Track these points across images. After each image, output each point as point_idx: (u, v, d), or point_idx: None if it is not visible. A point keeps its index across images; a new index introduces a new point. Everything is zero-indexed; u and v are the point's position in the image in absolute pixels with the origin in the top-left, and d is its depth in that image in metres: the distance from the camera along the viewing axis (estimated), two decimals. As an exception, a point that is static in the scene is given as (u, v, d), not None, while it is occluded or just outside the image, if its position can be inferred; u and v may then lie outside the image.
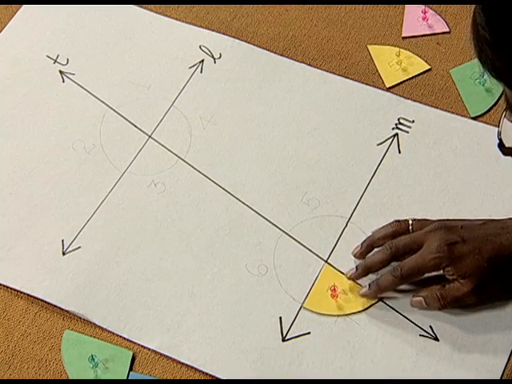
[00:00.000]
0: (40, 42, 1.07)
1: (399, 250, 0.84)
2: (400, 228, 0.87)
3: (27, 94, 1.02)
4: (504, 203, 0.92)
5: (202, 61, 1.05)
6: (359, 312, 0.86)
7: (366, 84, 1.02)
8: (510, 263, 0.81)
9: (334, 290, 0.86)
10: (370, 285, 0.86)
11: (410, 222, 0.87)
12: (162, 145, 0.98)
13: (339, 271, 0.89)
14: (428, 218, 0.91)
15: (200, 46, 1.06)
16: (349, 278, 0.87)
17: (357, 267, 0.87)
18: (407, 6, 1.08)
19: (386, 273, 0.85)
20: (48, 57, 1.05)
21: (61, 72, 1.04)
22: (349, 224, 0.92)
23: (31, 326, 0.88)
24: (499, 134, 0.66)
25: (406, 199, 0.93)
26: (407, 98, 1.01)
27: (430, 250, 0.82)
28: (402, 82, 1.02)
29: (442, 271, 0.82)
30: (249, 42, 1.06)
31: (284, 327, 0.86)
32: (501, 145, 0.65)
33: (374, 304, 0.87)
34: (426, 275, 0.84)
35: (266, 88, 1.02)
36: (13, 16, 1.09)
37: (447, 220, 0.86)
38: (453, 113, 0.99)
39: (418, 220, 0.87)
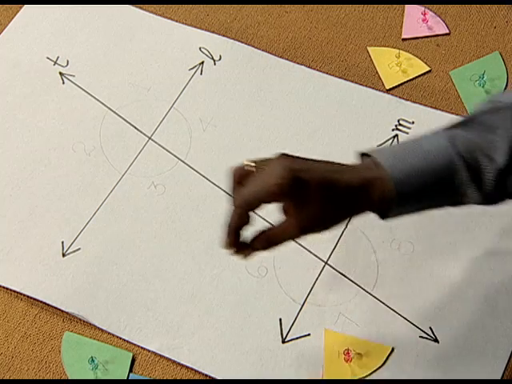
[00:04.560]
0: (40, 43, 1.07)
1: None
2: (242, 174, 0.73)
3: (27, 96, 1.02)
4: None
5: (202, 63, 1.05)
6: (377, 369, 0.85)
7: (366, 86, 1.02)
8: (350, 200, 0.72)
9: (348, 353, 0.84)
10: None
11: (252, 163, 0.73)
12: (162, 146, 0.98)
13: (339, 272, 0.89)
14: (428, 220, 0.92)
15: (200, 48, 1.06)
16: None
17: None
18: (407, 8, 1.08)
19: None
20: (48, 58, 1.06)
21: (61, 74, 1.04)
22: (349, 225, 0.92)
23: (31, 327, 0.88)
24: None
25: (405, 200, 0.93)
26: (407, 99, 1.01)
27: (273, 174, 0.70)
28: (401, 84, 1.02)
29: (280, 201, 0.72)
30: (248, 44, 1.06)
31: (284, 329, 0.86)
32: None
33: (390, 354, 0.85)
34: None
35: (266, 90, 1.02)
36: (13, 18, 1.09)
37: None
38: (452, 114, 0.99)
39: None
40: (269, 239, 0.73)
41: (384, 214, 0.74)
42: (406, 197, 0.72)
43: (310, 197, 0.70)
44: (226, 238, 0.73)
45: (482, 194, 0.73)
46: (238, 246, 0.73)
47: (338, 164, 0.74)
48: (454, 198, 0.74)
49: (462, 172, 0.72)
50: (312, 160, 0.73)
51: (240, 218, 0.72)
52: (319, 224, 0.72)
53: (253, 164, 0.73)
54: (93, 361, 0.84)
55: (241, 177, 0.73)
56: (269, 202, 0.71)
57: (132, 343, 0.86)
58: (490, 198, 0.74)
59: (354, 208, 0.73)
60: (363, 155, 0.76)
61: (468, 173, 0.72)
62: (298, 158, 0.73)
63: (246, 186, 0.72)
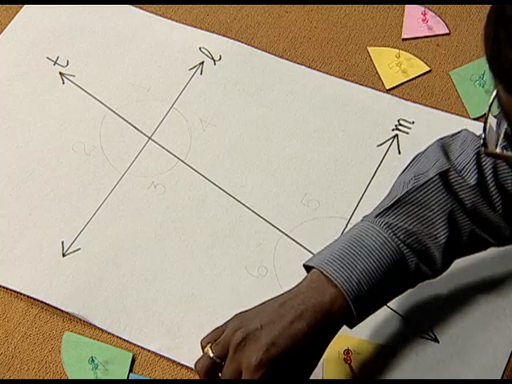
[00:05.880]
0: (40, 43, 1.07)
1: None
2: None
3: (27, 96, 1.02)
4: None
5: (202, 63, 1.05)
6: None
7: (366, 86, 1.02)
8: (314, 343, 0.73)
9: (348, 353, 0.84)
10: None
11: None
12: (162, 146, 0.98)
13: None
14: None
15: (200, 48, 1.06)
16: None
17: None
18: (407, 8, 1.08)
19: None
20: (48, 58, 1.05)
21: (61, 73, 1.04)
22: (349, 225, 0.92)
23: (31, 327, 0.88)
24: (484, 137, 0.57)
25: (405, 200, 0.93)
26: (407, 99, 1.01)
27: (249, 368, 0.71)
28: (401, 84, 1.02)
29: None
30: (248, 44, 1.06)
31: (284, 329, 0.86)
32: (484, 145, 0.58)
33: (390, 354, 0.85)
34: None
35: (266, 90, 1.02)
36: (13, 17, 1.09)
37: (246, 311, 0.76)
38: (452, 114, 0.99)
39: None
40: None
41: (351, 325, 0.75)
42: (365, 303, 0.73)
43: (290, 361, 0.71)
44: None
45: (434, 269, 0.75)
46: None
47: (290, 297, 0.74)
48: (412, 281, 0.76)
49: (411, 258, 0.73)
50: (265, 314, 0.73)
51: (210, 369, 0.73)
52: (309, 371, 0.74)
53: (212, 355, 0.73)
54: (93, 361, 0.84)
55: (209, 371, 0.73)
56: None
57: (132, 343, 0.86)
58: (442, 270, 0.76)
59: (324, 338, 0.74)
60: (308, 266, 0.76)
61: (416, 257, 0.73)
62: (252, 327, 0.72)
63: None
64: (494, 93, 0.54)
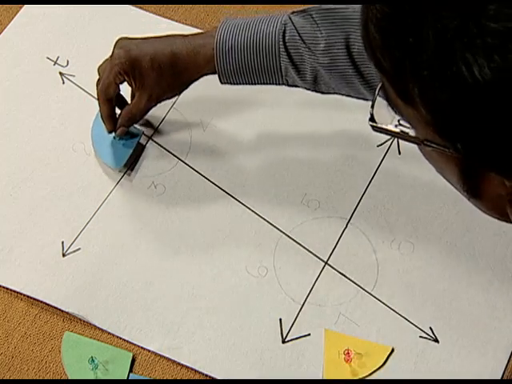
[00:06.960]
0: (40, 43, 1.07)
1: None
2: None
3: (27, 96, 1.02)
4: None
5: (202, 62, 1.04)
6: (376, 370, 0.85)
7: (366, 85, 1.02)
8: (179, 67, 0.86)
9: (348, 353, 0.84)
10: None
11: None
12: (162, 146, 0.98)
13: (339, 272, 0.89)
14: (428, 220, 0.92)
15: (200, 48, 1.06)
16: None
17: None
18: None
19: None
20: (48, 58, 1.05)
21: (61, 73, 1.04)
22: (349, 225, 0.92)
23: (31, 327, 0.88)
24: (372, 106, 0.60)
25: (405, 200, 0.93)
26: (407, 99, 1.01)
27: (112, 58, 0.88)
28: (401, 84, 1.02)
29: (127, 83, 0.89)
30: (249, 44, 1.06)
31: (284, 329, 0.86)
32: (372, 119, 0.60)
33: (390, 354, 0.85)
34: None
35: (266, 90, 1.02)
36: (13, 18, 1.09)
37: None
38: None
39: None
40: (127, 115, 0.91)
41: (220, 79, 0.87)
42: (227, 70, 0.85)
43: (145, 69, 0.86)
44: (106, 125, 0.92)
45: (304, 81, 0.83)
46: (116, 128, 0.92)
47: (177, 36, 0.88)
48: (280, 78, 0.84)
49: (283, 57, 0.81)
50: (151, 38, 0.88)
51: (105, 106, 0.91)
52: (161, 90, 0.88)
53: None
54: (93, 361, 0.84)
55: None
56: (119, 82, 0.88)
57: (132, 343, 0.86)
58: (314, 87, 0.84)
59: (186, 72, 0.87)
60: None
61: (289, 59, 0.81)
62: (135, 38, 0.89)
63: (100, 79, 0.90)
64: None
